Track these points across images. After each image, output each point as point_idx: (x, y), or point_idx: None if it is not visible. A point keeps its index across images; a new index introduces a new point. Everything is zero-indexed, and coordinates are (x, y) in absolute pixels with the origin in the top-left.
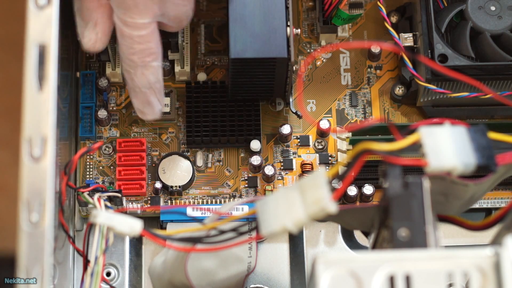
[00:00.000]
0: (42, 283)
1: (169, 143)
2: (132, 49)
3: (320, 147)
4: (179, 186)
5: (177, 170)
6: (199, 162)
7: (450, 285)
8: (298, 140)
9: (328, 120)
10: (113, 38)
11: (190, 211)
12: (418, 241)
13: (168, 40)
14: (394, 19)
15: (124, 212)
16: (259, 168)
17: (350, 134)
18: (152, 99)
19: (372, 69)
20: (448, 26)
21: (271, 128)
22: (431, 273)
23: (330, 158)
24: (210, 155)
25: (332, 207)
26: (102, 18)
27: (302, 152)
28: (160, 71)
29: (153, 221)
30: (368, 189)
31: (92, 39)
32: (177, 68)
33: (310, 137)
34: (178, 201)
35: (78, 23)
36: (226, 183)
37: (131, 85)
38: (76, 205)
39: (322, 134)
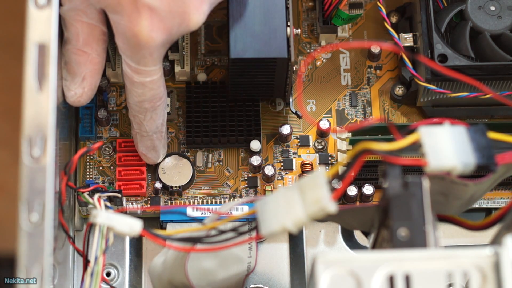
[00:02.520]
0: (42, 283)
1: (169, 143)
2: (143, 95)
3: (320, 147)
4: (179, 186)
5: (177, 170)
6: (199, 162)
7: (450, 285)
8: (298, 140)
9: (328, 120)
10: (112, 38)
11: (190, 211)
12: (417, 241)
13: None
14: (394, 19)
15: (124, 212)
16: (259, 168)
17: (350, 134)
18: (157, 144)
19: (372, 69)
20: (448, 26)
21: (271, 128)
22: (430, 273)
23: (330, 158)
24: (210, 155)
25: (332, 207)
26: (91, 72)
27: (302, 152)
28: (166, 113)
29: (153, 221)
30: (368, 189)
31: (78, 93)
32: (177, 68)
33: (310, 137)
34: (178, 201)
35: (64, 76)
36: (226, 183)
37: (138, 129)
38: (76, 205)
39: (322, 134)
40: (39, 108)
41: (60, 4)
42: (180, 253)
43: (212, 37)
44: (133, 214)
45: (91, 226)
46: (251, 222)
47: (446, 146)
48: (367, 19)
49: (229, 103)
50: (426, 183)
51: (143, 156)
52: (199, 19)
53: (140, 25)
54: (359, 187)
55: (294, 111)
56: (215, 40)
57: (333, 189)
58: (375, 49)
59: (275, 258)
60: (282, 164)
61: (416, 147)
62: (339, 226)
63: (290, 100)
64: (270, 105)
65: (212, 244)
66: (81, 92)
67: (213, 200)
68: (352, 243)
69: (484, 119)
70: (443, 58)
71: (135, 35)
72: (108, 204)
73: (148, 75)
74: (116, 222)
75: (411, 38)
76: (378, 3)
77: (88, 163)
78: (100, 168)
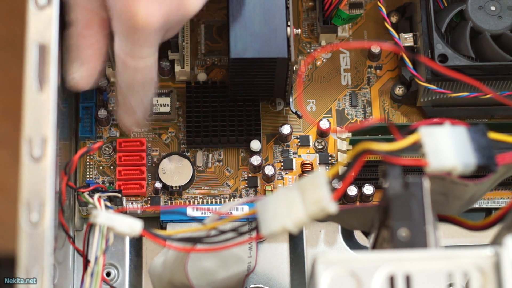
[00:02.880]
0: (42, 283)
1: (169, 143)
2: (135, 80)
3: (320, 147)
4: (179, 186)
5: (177, 170)
6: (199, 162)
7: (450, 285)
8: (298, 140)
9: (328, 120)
10: (112, 37)
11: (190, 211)
12: (418, 241)
13: (168, 40)
14: (394, 19)
15: (124, 212)
16: (259, 168)
17: (350, 134)
18: (138, 112)
19: (372, 69)
20: (448, 26)
21: (271, 128)
22: (431, 273)
23: (330, 158)
24: (210, 155)
25: (332, 207)
26: (90, 57)
27: (302, 152)
28: (153, 93)
29: (153, 221)
30: (368, 189)
31: (76, 77)
32: (177, 68)
33: (310, 137)
34: (178, 201)
35: (66, 60)
36: (226, 183)
37: (122, 104)
38: (76, 205)
39: (322, 134)
40: (39, 108)
41: None
42: (180, 253)
43: (212, 37)
44: (133, 214)
45: (91, 226)
46: (251, 222)
47: (446, 146)
48: (367, 19)
49: (229, 103)
50: (426, 183)
51: (120, 122)
52: (196, 6)
53: (136, 7)
54: (359, 187)
55: (294, 111)
56: (215, 40)
57: (333, 189)
58: (375, 49)
59: (275, 258)
60: (282, 164)
61: (416, 147)
62: (339, 226)
63: (290, 100)
64: (270, 105)
65: (212, 244)
66: (79, 76)
67: (213, 200)
68: (352, 243)
69: (484, 119)
70: (443, 58)
71: (132, 17)
72: (108, 204)
73: (141, 59)
74: (116, 222)
75: (411, 38)
76: (378, 3)
77: (88, 163)
78: (100, 168)
